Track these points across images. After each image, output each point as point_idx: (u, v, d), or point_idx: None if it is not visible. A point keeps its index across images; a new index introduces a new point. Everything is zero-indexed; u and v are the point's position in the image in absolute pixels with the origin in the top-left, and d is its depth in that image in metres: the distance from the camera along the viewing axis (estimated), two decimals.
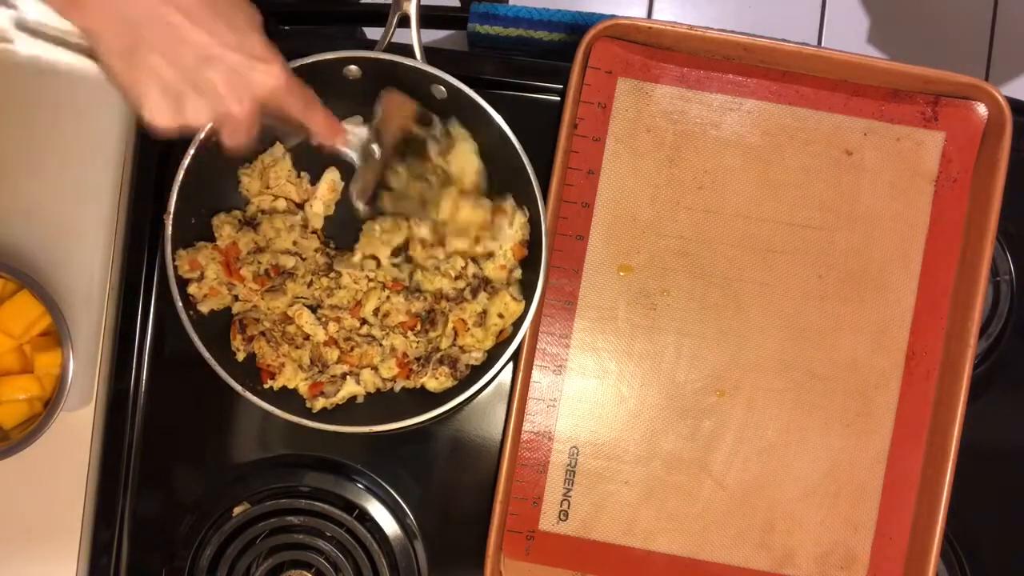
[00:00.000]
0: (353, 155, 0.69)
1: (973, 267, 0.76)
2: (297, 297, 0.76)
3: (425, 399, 0.74)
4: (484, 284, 0.75)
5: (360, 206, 0.71)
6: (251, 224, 0.77)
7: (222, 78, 0.54)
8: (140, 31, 0.52)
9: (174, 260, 0.72)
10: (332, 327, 0.75)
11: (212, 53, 0.53)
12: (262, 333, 0.75)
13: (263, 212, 0.78)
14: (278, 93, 0.57)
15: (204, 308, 0.75)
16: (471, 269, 0.75)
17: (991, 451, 0.82)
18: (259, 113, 0.57)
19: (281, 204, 0.78)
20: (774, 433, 0.78)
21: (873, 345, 0.78)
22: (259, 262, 0.75)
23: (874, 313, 0.78)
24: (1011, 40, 1.61)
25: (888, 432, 0.77)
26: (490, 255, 0.76)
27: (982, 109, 0.77)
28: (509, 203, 0.75)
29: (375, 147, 0.69)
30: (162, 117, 0.55)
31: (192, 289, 0.74)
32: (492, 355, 0.75)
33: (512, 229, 0.75)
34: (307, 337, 0.76)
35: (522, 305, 0.74)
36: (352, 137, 0.68)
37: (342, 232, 0.79)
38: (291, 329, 0.75)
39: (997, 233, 0.76)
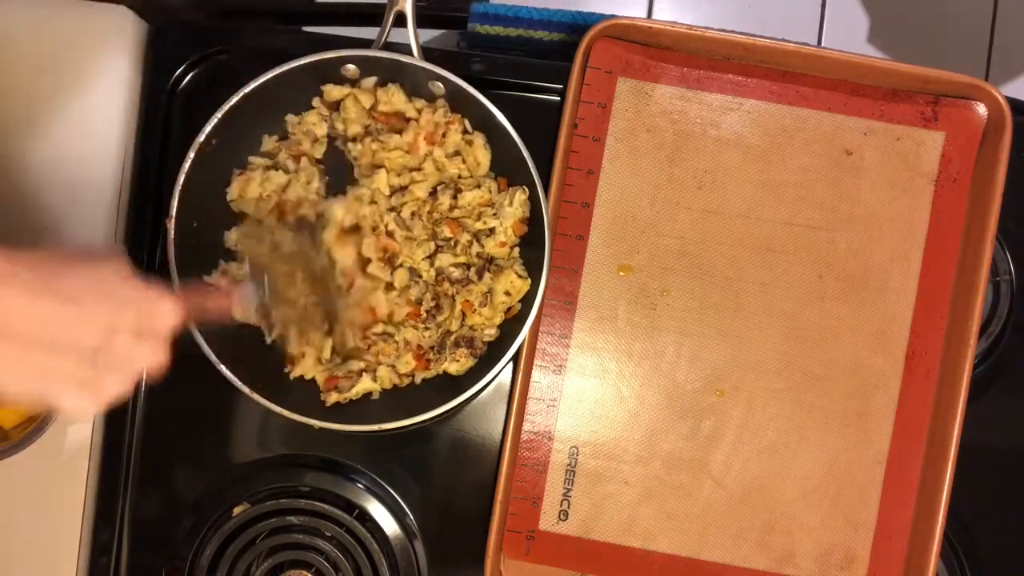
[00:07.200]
0: (251, 304, 0.70)
1: (973, 267, 0.76)
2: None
3: (443, 389, 0.74)
4: (488, 263, 0.76)
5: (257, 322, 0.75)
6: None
7: (125, 344, 0.53)
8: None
9: (177, 265, 0.72)
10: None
11: (104, 333, 0.52)
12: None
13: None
14: (180, 320, 0.57)
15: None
16: (475, 248, 0.76)
17: (991, 451, 0.82)
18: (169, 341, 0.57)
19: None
20: (774, 433, 0.78)
21: (873, 345, 0.78)
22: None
23: (874, 313, 0.78)
24: (1011, 40, 1.61)
25: (888, 432, 0.77)
26: (491, 231, 0.76)
27: (982, 109, 0.77)
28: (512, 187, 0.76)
29: (264, 292, 0.70)
30: (86, 407, 0.52)
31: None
32: (506, 331, 0.75)
33: (512, 207, 0.75)
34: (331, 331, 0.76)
35: (528, 283, 0.74)
36: (243, 300, 0.69)
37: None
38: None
39: (997, 233, 0.76)
